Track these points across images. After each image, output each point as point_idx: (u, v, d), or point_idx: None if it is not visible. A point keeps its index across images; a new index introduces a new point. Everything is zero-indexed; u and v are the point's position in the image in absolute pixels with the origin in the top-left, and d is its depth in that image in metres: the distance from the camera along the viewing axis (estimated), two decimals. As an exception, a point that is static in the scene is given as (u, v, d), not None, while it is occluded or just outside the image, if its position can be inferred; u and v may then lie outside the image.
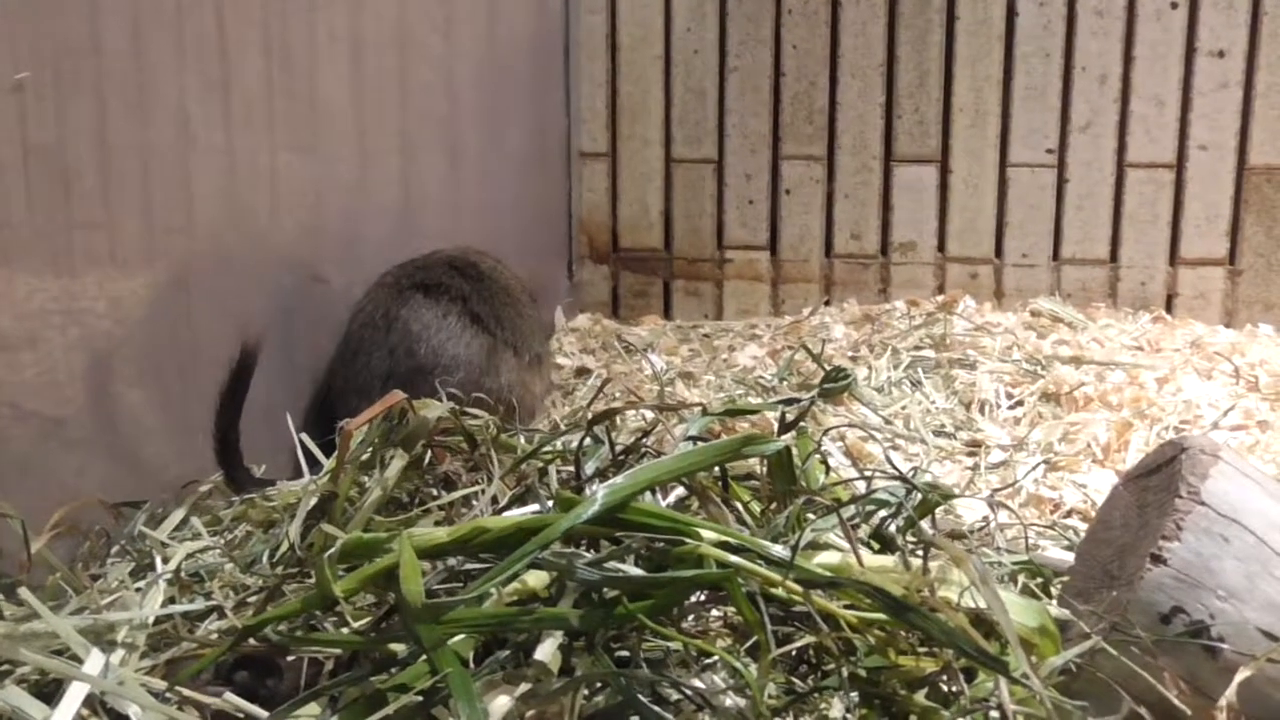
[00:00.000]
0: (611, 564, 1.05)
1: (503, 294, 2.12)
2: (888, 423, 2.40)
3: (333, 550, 1.13)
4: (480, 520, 1.13)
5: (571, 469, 1.37)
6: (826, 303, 3.20)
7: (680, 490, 1.32)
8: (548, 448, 1.45)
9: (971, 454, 2.28)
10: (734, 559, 1.05)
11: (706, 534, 1.06)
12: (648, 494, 1.31)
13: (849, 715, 1.05)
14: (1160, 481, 1.33)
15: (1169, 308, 3.11)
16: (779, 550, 1.08)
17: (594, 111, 3.21)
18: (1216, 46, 2.99)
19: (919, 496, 1.35)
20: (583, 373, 2.78)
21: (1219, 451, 1.32)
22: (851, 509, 1.25)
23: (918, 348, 2.77)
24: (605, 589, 1.07)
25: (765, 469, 1.38)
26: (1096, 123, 3.05)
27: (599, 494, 1.08)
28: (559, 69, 3.14)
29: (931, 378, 2.60)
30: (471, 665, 1.08)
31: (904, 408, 2.47)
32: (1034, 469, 2.14)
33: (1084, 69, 3.04)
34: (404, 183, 2.36)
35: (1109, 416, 2.38)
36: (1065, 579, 1.42)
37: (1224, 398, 2.48)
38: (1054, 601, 1.37)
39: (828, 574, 1.05)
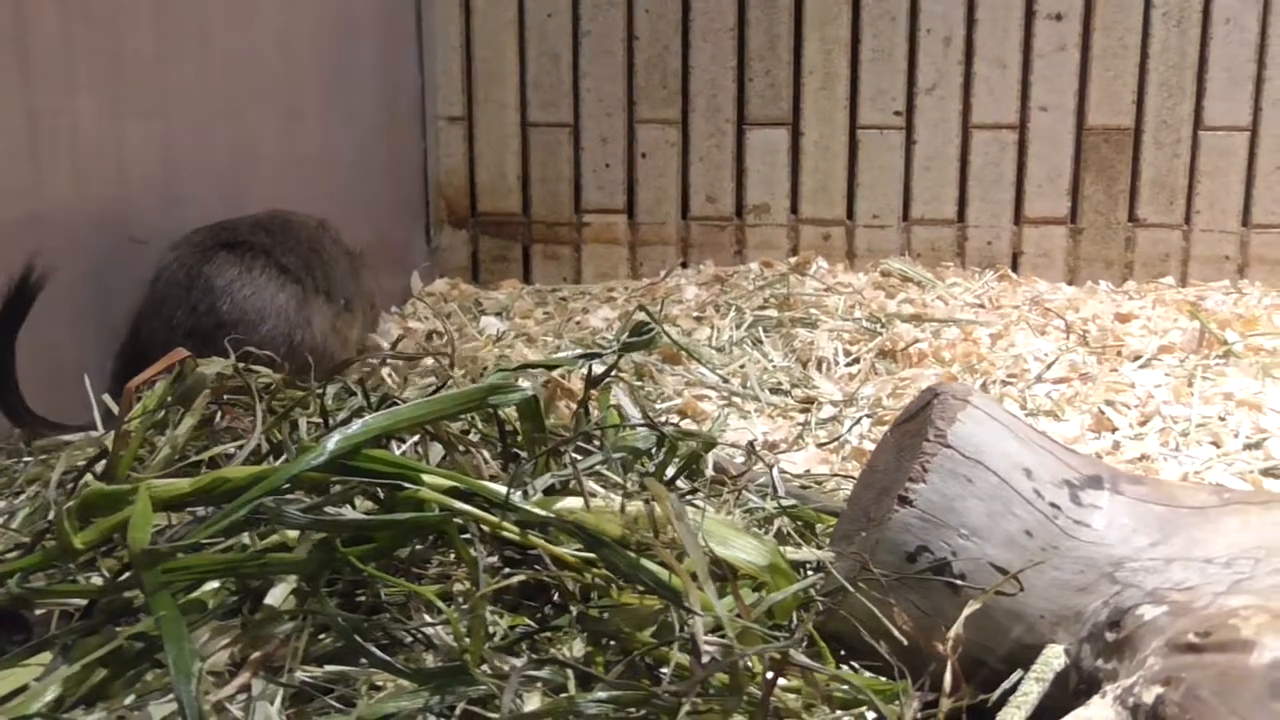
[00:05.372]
0: (333, 509, 1.07)
1: (310, 243, 2.13)
2: (725, 381, 2.44)
3: (72, 503, 1.14)
4: (221, 471, 1.14)
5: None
6: (683, 265, 3.23)
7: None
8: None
9: (805, 410, 2.33)
10: (458, 504, 1.07)
11: (431, 479, 1.08)
12: (414, 449, 1.34)
13: (579, 656, 1.07)
14: (915, 427, 1.37)
15: (1015, 266, 3.18)
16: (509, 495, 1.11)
17: (449, 76, 3.20)
18: (1055, 9, 3.05)
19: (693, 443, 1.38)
20: (433, 336, 2.79)
21: (969, 396, 1.36)
22: (600, 455, 1.27)
23: (762, 308, 2.81)
24: (340, 535, 1.09)
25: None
26: (942, 84, 3.10)
27: (330, 442, 1.10)
28: (411, 32, 3.13)
29: (771, 337, 2.64)
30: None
31: (742, 366, 2.50)
32: (856, 422, 2.19)
33: (929, 31, 3.08)
34: (231, 144, 2.35)
35: (940, 371, 2.43)
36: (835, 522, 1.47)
37: (1054, 352, 2.55)
38: (820, 545, 1.42)
39: (543, 514, 1.08)
